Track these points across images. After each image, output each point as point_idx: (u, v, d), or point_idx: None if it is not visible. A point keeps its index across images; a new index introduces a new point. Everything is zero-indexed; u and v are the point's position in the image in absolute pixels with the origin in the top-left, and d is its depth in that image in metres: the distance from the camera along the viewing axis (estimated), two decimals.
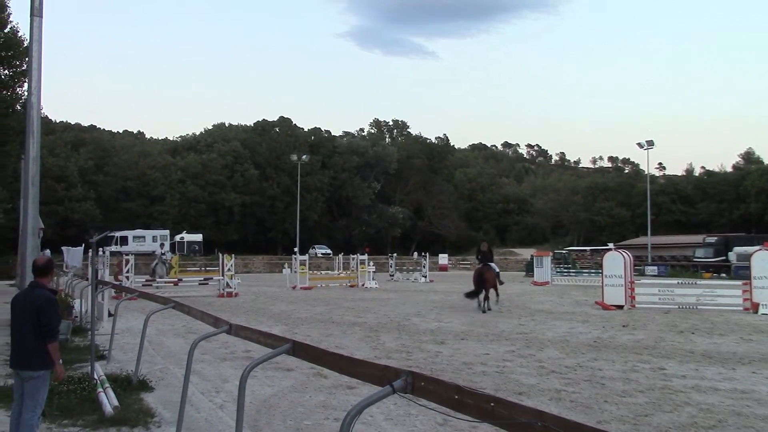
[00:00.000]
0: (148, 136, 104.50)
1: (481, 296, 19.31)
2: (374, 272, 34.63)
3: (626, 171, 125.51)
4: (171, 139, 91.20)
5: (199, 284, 29.46)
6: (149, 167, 70.89)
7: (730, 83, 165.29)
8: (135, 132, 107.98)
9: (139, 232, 61.19)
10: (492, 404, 2.70)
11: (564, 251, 59.35)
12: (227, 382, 8.59)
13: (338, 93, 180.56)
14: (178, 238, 62.02)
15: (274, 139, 79.11)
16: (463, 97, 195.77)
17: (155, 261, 32.75)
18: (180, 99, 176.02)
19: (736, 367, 9.97)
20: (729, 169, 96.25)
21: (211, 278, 29.46)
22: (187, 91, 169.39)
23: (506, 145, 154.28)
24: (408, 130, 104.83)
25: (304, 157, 67.73)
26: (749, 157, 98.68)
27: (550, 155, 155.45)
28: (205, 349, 10.77)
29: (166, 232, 62.14)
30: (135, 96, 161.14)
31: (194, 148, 77.59)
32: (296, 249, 42.73)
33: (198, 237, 63.64)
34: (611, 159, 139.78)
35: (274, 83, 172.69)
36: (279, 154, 75.80)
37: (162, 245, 54.56)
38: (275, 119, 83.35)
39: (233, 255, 28.47)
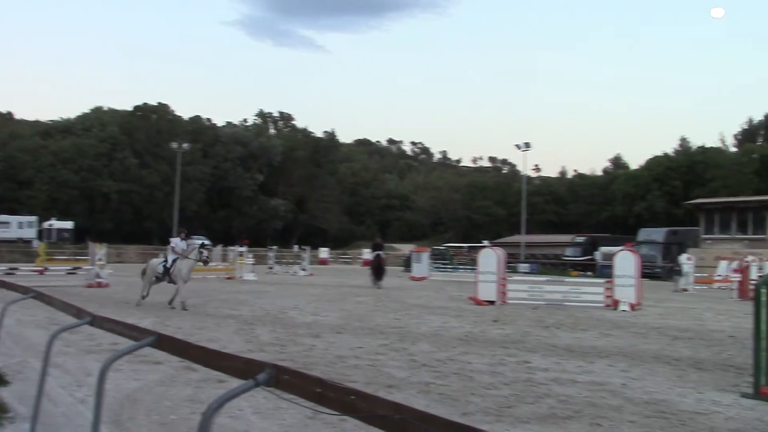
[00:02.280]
0: (18, 117, 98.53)
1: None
2: (253, 264, 34.19)
3: (504, 171, 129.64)
4: (43, 121, 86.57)
5: (68, 273, 28.14)
6: (18, 150, 67.02)
7: (602, 92, 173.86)
8: (4, 113, 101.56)
9: (3, 217, 57.78)
10: (353, 397, 2.73)
11: (442, 247, 60.73)
12: (90, 376, 8.24)
13: (223, 82, 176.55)
14: (46, 224, 59.01)
15: (154, 126, 76.64)
16: (350, 93, 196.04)
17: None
18: (53, 79, 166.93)
19: (594, 361, 10.53)
20: (599, 172, 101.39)
21: (80, 268, 28.22)
22: (61, 71, 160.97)
23: (391, 141, 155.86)
24: (294, 122, 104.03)
25: (184, 145, 65.93)
26: (617, 162, 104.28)
27: (433, 153, 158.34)
28: (69, 341, 10.31)
29: (34, 218, 59.02)
30: (1, 74, 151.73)
31: (69, 132, 74.00)
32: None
33: (68, 224, 60.79)
34: (491, 159, 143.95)
35: (154, 67, 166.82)
36: (159, 141, 73.49)
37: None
38: (155, 104, 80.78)
39: (105, 244, 27.34)
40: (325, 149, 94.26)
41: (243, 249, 34.18)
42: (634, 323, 16.54)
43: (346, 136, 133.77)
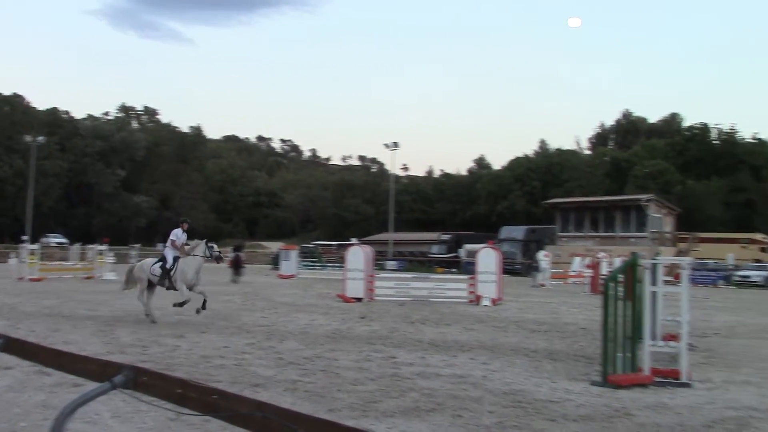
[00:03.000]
0: None
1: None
2: (114, 263, 32.82)
3: (373, 170, 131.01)
4: None
5: None
6: None
7: (467, 94, 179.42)
8: None
9: None
10: (214, 397, 2.70)
11: (311, 245, 60.65)
12: None
13: (84, 74, 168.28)
14: None
15: (8, 118, 72.02)
16: (219, 88, 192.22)
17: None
18: None
19: (457, 354, 10.86)
20: (464, 172, 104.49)
21: None
22: None
23: (260, 138, 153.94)
24: (159, 117, 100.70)
25: (39, 138, 62.37)
26: (481, 162, 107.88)
27: (303, 151, 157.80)
28: None
29: None
30: None
31: None
32: (26, 237, 39.20)
33: None
34: (360, 158, 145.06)
35: (7, 56, 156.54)
36: (11, 133, 69.15)
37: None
38: (8, 95, 75.93)
39: None
40: (191, 145, 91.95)
41: (103, 247, 32.75)
42: (495, 317, 17.19)
43: (214, 132, 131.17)
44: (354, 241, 25.67)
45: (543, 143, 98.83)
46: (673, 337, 9.71)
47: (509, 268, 40.72)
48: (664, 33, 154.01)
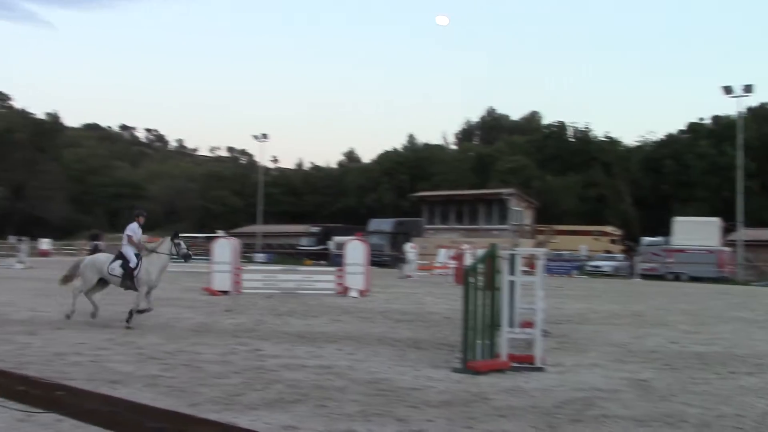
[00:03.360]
0: None
1: None
2: None
3: (242, 162, 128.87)
4: None
5: None
6: None
7: (337, 87, 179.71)
8: None
9: None
10: (60, 393, 2.59)
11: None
12: None
13: None
14: None
15: None
16: (79, 74, 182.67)
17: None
18: None
19: (323, 346, 10.91)
20: (334, 165, 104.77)
21: None
22: None
23: (124, 127, 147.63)
24: (11, 102, 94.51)
25: None
26: (351, 155, 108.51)
27: (168, 141, 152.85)
28: None
29: None
30: None
31: None
32: None
33: None
34: (229, 149, 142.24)
35: None
36: None
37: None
38: None
39: None
40: (47, 132, 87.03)
41: None
42: (362, 309, 17.39)
43: (73, 120, 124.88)
44: (221, 233, 25.20)
45: (411, 138, 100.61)
46: (530, 325, 10.17)
47: (377, 260, 41.22)
48: (526, 35, 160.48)
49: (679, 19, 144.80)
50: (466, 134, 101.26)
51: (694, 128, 73.13)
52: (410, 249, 36.40)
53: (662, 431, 6.23)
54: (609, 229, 59.77)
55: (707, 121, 74.23)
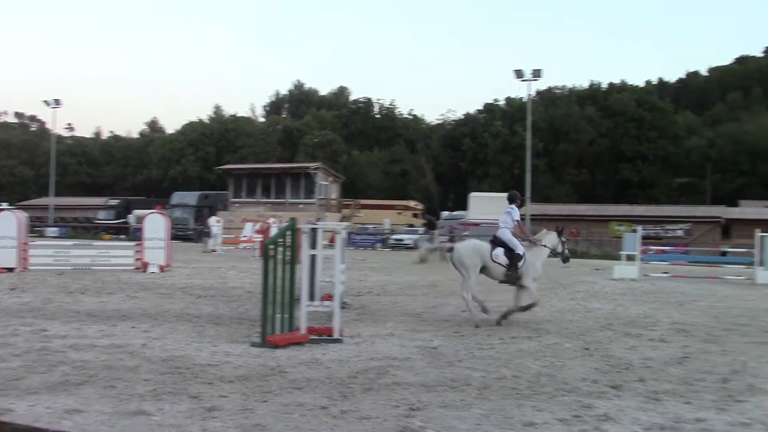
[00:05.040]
0: None
1: None
2: None
3: (33, 129, 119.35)
4: None
5: None
6: None
7: (138, 51, 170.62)
8: None
9: None
10: None
11: None
12: None
13: None
14: None
15: None
16: None
17: None
18: None
19: (117, 324, 10.45)
20: (135, 135, 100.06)
21: None
22: None
23: None
24: None
25: None
26: (154, 126, 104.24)
27: None
28: None
29: None
30: None
31: None
32: None
33: None
34: (17, 115, 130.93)
35: None
36: None
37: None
38: None
39: None
40: None
41: None
42: (161, 284, 16.83)
43: None
44: (5, 206, 23.23)
45: (218, 109, 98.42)
46: (330, 298, 10.36)
47: (181, 234, 40.13)
48: (338, 8, 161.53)
49: (480, 3, 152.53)
50: (274, 107, 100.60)
51: (490, 109, 77.70)
52: (215, 223, 35.74)
53: (447, 395, 6.59)
54: (412, 203, 62.14)
55: (501, 102, 79.11)
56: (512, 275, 11.45)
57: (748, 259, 23.58)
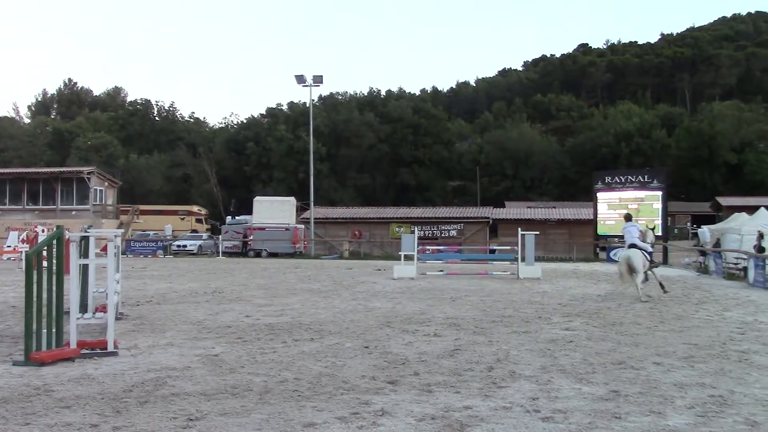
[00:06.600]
0: None
1: None
2: None
3: None
4: None
5: None
6: None
7: None
8: None
9: None
10: None
11: None
12: None
13: None
14: None
15: None
16: None
17: None
18: None
19: None
20: None
21: None
22: None
23: None
24: None
25: None
26: None
27: None
28: None
29: None
30: None
31: None
32: None
33: None
34: None
35: None
36: None
37: None
38: None
39: None
40: None
41: None
42: None
43: None
44: None
45: None
46: (104, 309, 9.83)
47: None
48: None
49: (256, 7, 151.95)
50: (42, 107, 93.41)
51: (273, 113, 77.79)
52: None
53: (227, 402, 6.51)
54: (195, 208, 60.59)
55: (285, 107, 79.52)
56: (650, 266, 17.10)
57: (512, 255, 25.58)
